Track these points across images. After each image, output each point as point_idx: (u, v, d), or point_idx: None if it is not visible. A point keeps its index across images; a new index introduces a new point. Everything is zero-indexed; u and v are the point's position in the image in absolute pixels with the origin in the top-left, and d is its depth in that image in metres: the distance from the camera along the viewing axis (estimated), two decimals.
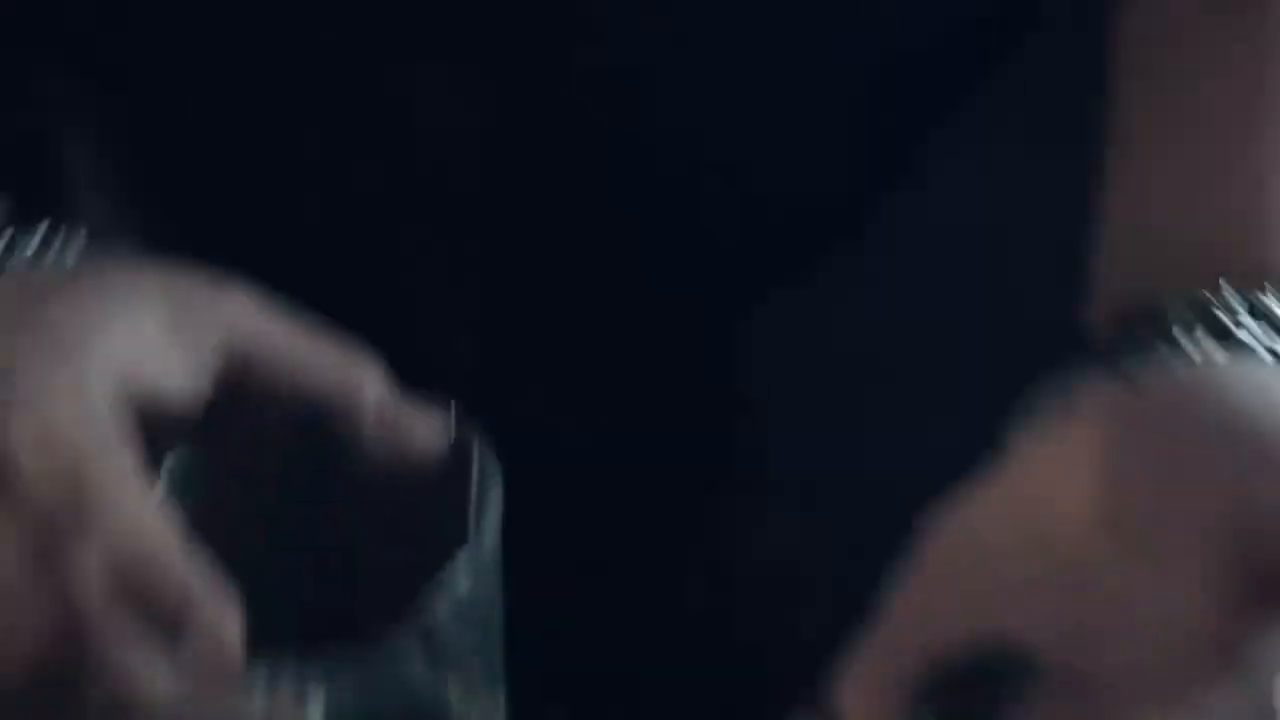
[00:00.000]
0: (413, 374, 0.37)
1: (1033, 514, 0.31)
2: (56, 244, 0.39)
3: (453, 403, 0.37)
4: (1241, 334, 0.32)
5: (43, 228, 0.39)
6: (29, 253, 0.38)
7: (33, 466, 0.32)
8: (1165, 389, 0.32)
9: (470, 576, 0.35)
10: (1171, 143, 0.39)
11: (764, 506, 0.52)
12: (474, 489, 0.37)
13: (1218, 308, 0.32)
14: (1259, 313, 0.32)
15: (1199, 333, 0.32)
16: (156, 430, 0.33)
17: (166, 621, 0.31)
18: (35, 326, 0.34)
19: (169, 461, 0.35)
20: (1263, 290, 0.33)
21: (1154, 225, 0.37)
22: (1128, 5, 0.42)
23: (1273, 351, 0.32)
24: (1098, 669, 0.30)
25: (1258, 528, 0.29)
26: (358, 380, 0.36)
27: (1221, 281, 0.33)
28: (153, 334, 0.34)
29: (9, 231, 0.39)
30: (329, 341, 0.36)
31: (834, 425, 0.51)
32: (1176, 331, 0.32)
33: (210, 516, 0.36)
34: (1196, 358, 0.32)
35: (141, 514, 0.31)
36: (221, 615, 0.31)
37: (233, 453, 0.37)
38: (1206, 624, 0.29)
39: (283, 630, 0.35)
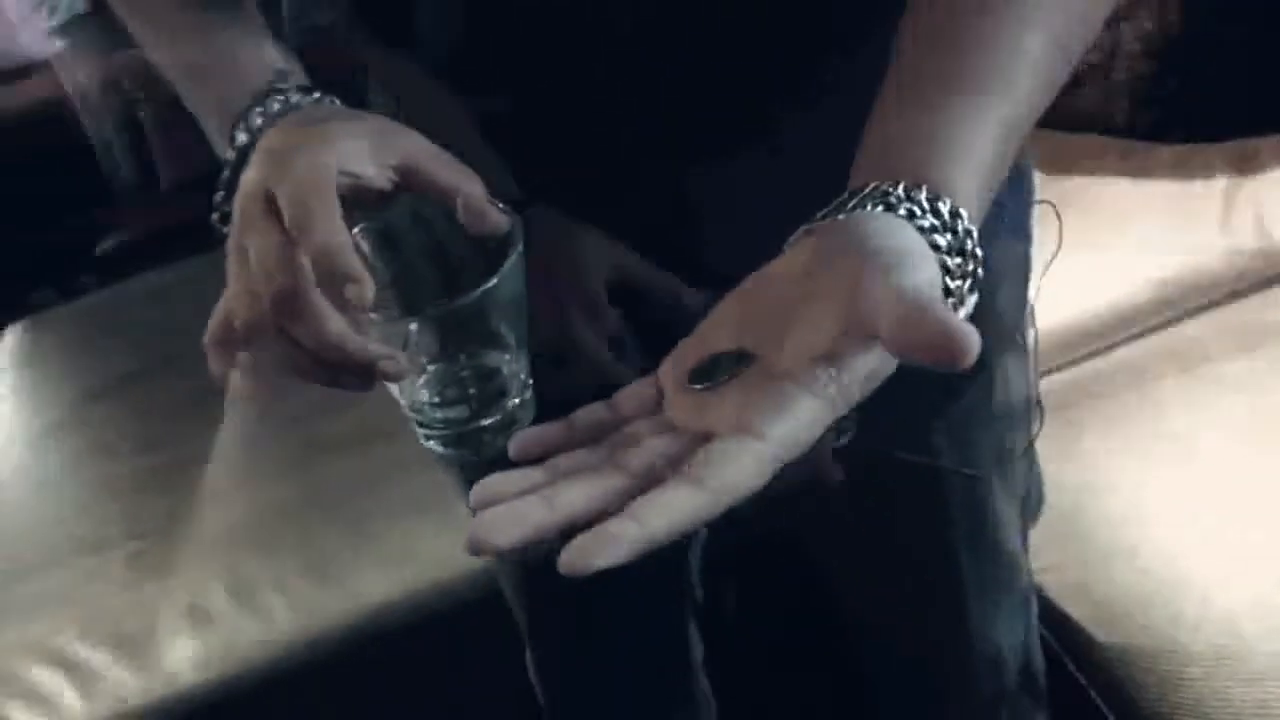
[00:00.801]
0: None
1: (780, 276, 0.48)
2: (325, 100, 0.60)
3: (501, 203, 0.56)
4: (900, 209, 0.46)
5: (317, 94, 0.60)
6: (310, 103, 0.60)
7: (286, 204, 0.51)
8: (846, 223, 0.47)
9: (501, 279, 0.53)
10: (894, 96, 0.53)
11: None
12: (510, 241, 0.55)
13: (894, 196, 0.47)
14: (915, 201, 0.47)
15: (880, 207, 0.47)
16: (359, 201, 0.54)
17: (340, 291, 0.50)
18: (305, 134, 0.55)
19: (362, 224, 0.56)
20: (920, 189, 0.47)
21: (874, 145, 0.51)
22: None
23: (918, 223, 0.46)
24: (777, 359, 0.45)
25: (858, 299, 0.43)
26: (465, 185, 0.56)
27: (901, 182, 0.47)
28: (363, 148, 0.55)
29: (301, 94, 0.60)
30: (454, 162, 0.57)
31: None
32: (869, 204, 0.47)
33: (379, 252, 0.57)
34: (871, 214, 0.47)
35: (338, 236, 0.50)
36: (366, 291, 0.49)
37: (397, 218, 0.58)
38: (828, 343, 0.43)
39: (410, 308, 0.57)
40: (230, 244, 0.54)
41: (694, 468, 0.41)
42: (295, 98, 0.60)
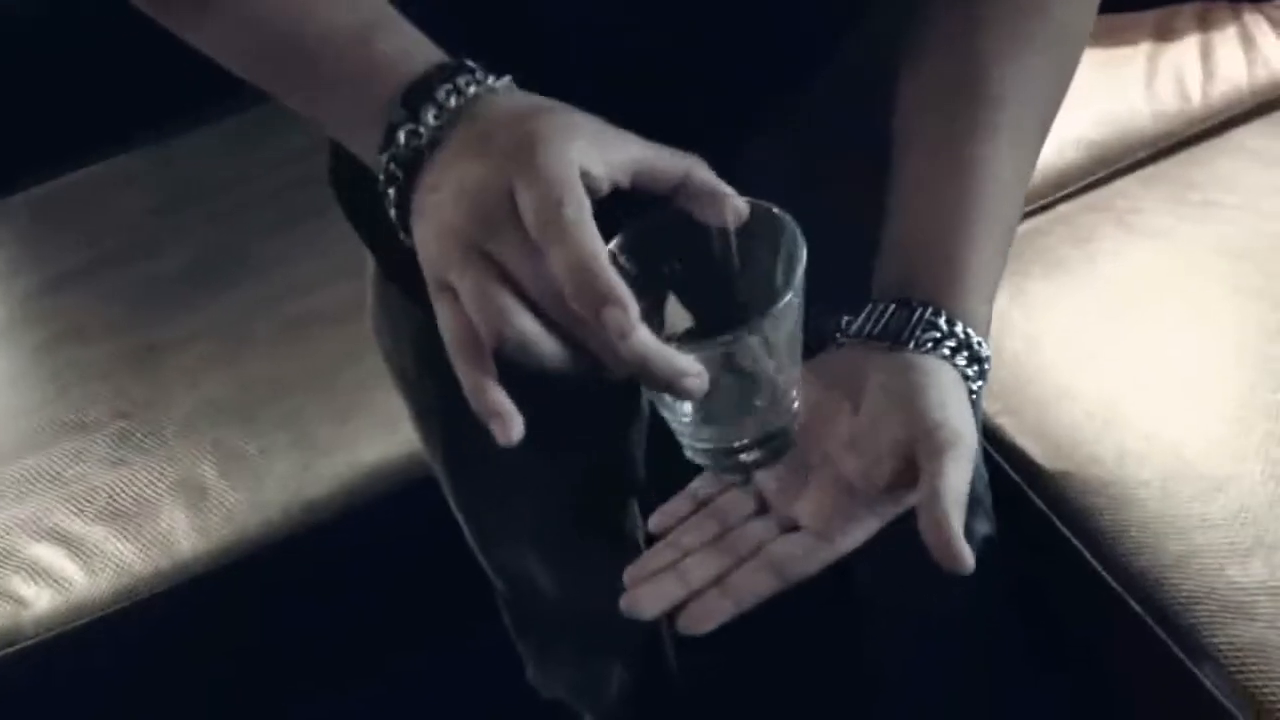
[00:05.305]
0: None
1: (845, 390, 0.58)
2: (512, 86, 0.52)
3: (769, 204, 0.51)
4: (944, 348, 0.57)
5: (505, 78, 0.52)
6: (504, 86, 0.51)
7: (532, 206, 0.45)
8: (905, 369, 0.57)
9: (780, 315, 0.49)
10: (909, 207, 0.62)
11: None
12: (784, 248, 0.51)
13: (938, 331, 0.58)
14: (954, 335, 0.58)
15: (929, 345, 0.57)
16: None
17: (597, 313, 0.44)
18: (537, 122, 0.47)
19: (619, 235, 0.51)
20: (956, 324, 0.58)
21: (904, 258, 0.61)
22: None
23: (956, 362, 0.58)
24: (844, 468, 0.55)
25: (913, 473, 0.54)
26: (694, 170, 0.50)
27: (941, 312, 0.58)
28: (592, 144, 0.48)
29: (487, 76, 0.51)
30: (676, 152, 0.50)
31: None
32: (918, 340, 0.57)
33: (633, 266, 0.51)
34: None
35: (595, 249, 0.44)
36: (630, 315, 0.44)
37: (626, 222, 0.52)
38: (889, 477, 0.54)
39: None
40: (457, 241, 0.47)
41: (779, 559, 0.54)
42: (487, 78, 0.51)
